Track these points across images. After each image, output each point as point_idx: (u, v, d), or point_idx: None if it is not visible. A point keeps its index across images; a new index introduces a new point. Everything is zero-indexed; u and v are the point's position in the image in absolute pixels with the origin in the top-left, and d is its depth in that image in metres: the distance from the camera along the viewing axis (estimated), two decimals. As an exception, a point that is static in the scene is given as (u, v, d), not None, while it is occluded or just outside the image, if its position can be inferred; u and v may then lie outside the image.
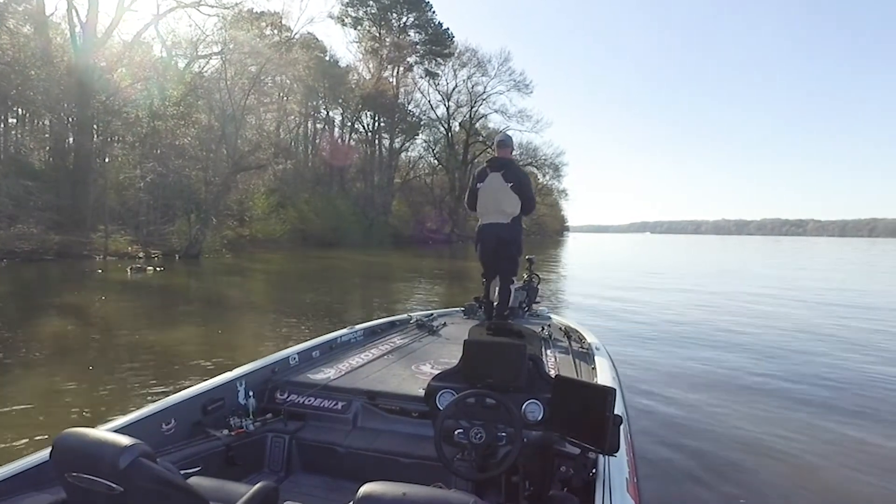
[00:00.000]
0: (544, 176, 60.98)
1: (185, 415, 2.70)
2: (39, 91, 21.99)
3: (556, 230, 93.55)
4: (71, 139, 24.76)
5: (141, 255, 21.82)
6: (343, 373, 3.45)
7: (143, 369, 6.15)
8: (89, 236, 21.80)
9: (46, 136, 25.45)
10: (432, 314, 5.51)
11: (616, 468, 2.04)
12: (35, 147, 25.35)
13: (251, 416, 2.92)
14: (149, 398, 4.96)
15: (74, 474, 1.44)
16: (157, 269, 18.10)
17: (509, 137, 5.30)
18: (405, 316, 5.36)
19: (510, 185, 4.81)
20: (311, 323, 9.27)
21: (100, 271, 17.26)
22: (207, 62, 28.98)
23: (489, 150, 54.17)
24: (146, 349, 7.15)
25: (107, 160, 26.07)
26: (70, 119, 24.08)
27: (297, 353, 3.66)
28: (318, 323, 9.14)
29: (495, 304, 5.10)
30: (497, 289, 5.10)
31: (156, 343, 7.60)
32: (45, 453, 1.87)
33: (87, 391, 5.38)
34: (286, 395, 3.16)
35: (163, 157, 25.01)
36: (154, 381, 5.59)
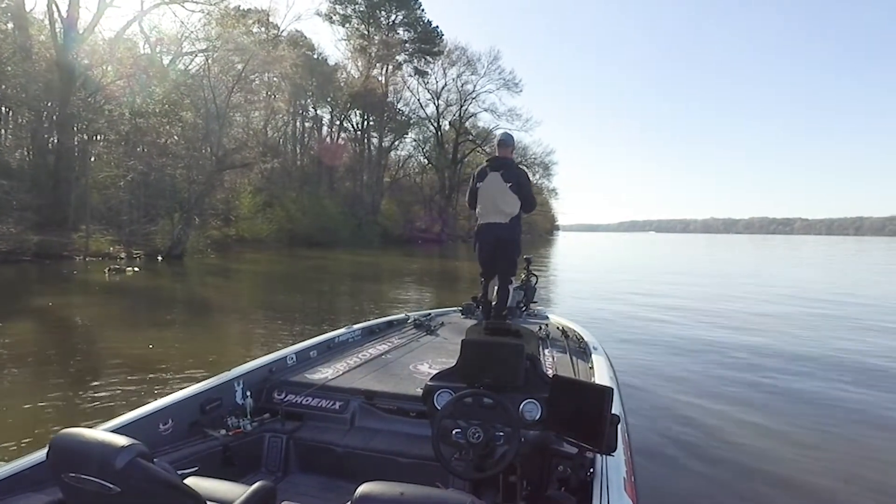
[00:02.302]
0: (534, 175, 60.86)
1: (183, 415, 2.70)
2: (17, 87, 21.37)
3: (546, 229, 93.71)
4: (52, 137, 24.15)
5: (122, 255, 21.23)
6: (341, 372, 3.44)
7: (95, 380, 5.77)
8: (70, 236, 21.23)
9: (28, 135, 24.77)
10: (430, 314, 5.49)
11: (613, 468, 2.04)
12: (14, 145, 24.67)
13: (248, 416, 2.91)
14: (98, 413, 4.65)
15: (71, 475, 1.43)
16: (137, 269, 17.61)
17: (510, 137, 5.26)
18: (403, 315, 5.32)
19: (509, 185, 4.82)
20: (291, 329, 8.75)
21: (76, 272, 16.76)
22: (192, 60, 28.52)
23: (479, 148, 54.11)
24: (104, 357, 6.78)
25: (92, 159, 25.51)
26: (53, 117, 23.45)
27: (295, 353, 3.65)
28: (299, 330, 8.62)
29: (493, 303, 5.06)
30: (495, 289, 5.06)
31: (116, 350, 7.15)
32: (41, 454, 1.84)
33: (27, 402, 5.03)
34: (284, 395, 3.15)
35: (145, 155, 24.47)
36: (107, 395, 5.22)
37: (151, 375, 5.97)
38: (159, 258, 21.88)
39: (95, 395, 5.29)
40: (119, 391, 5.38)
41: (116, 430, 2.17)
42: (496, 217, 4.89)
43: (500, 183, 4.83)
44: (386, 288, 16.20)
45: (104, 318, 10.04)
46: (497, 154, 5.10)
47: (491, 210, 4.91)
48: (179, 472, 1.69)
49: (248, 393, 3.05)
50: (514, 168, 4.97)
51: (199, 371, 5.97)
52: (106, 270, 16.61)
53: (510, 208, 4.85)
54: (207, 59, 26.05)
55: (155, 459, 1.48)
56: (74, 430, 1.53)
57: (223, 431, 2.76)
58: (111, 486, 1.38)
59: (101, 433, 1.53)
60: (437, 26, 52.97)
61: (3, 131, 25.51)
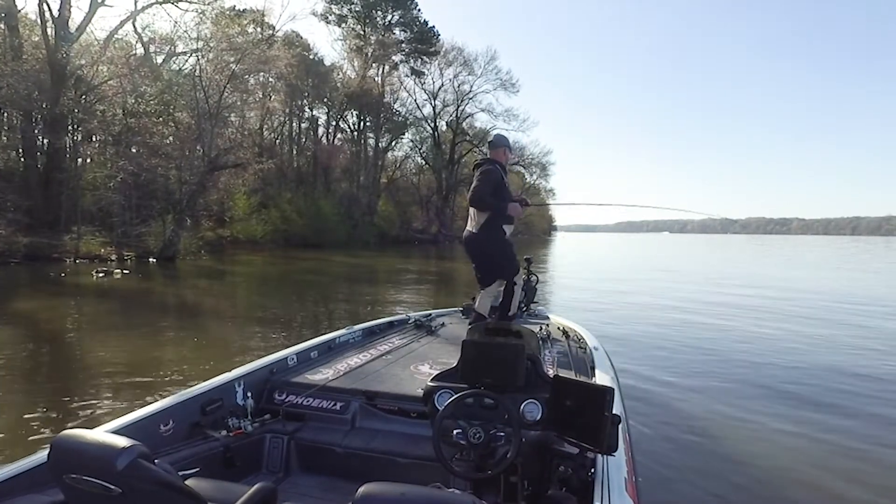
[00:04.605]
0: (531, 175, 60.76)
1: (184, 416, 2.70)
2: (7, 86, 21.04)
3: (543, 230, 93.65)
4: (43, 137, 23.84)
5: (113, 257, 20.90)
6: (341, 373, 3.44)
7: (60, 387, 5.51)
8: (61, 238, 20.92)
9: (19, 135, 24.44)
10: (430, 314, 5.46)
11: (614, 468, 2.04)
12: (4, 146, 24.33)
13: (249, 417, 2.91)
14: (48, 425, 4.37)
15: (72, 476, 1.43)
16: (126, 272, 17.25)
17: (498, 137, 4.88)
18: (403, 316, 5.30)
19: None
20: (281, 335, 8.28)
21: (64, 274, 16.39)
22: (187, 60, 28.25)
23: (475, 149, 53.90)
24: (72, 364, 6.49)
25: (88, 161, 25.17)
26: (46, 118, 23.10)
27: (296, 354, 3.66)
28: (292, 336, 8.15)
29: (494, 309, 4.75)
30: (479, 297, 4.77)
31: (87, 356, 6.87)
32: (42, 455, 1.85)
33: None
34: (284, 396, 3.15)
35: (136, 155, 24.16)
36: (71, 404, 4.94)
37: (121, 382, 5.70)
38: (151, 260, 21.54)
39: (58, 403, 5.03)
40: (84, 400, 5.12)
41: (117, 432, 2.16)
42: (469, 224, 4.64)
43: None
44: (383, 290, 15.91)
45: (82, 322, 9.64)
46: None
47: (469, 217, 4.66)
48: (180, 473, 1.67)
49: (249, 394, 3.05)
50: (483, 168, 4.55)
51: (174, 380, 5.69)
52: (94, 273, 16.26)
53: (478, 214, 4.54)
54: (199, 59, 25.75)
55: (156, 460, 1.47)
56: (75, 431, 1.52)
57: (224, 432, 2.74)
58: (112, 487, 1.38)
59: (101, 434, 1.53)
60: (434, 26, 52.74)
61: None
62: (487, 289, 4.74)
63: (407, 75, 52.64)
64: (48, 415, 4.75)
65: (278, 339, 7.96)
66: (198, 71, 25.39)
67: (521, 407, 2.37)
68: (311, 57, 43.87)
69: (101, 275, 16.01)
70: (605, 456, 2.06)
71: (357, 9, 49.11)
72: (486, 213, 4.49)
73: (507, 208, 4.50)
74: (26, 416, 4.70)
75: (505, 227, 4.59)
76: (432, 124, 54.89)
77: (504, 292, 4.74)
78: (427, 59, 52.70)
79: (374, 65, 48.30)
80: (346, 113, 47.49)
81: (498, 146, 4.74)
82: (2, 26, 22.53)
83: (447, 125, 55.73)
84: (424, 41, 51.75)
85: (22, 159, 24.15)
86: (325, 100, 45.48)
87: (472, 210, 4.60)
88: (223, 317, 10.61)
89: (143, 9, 26.17)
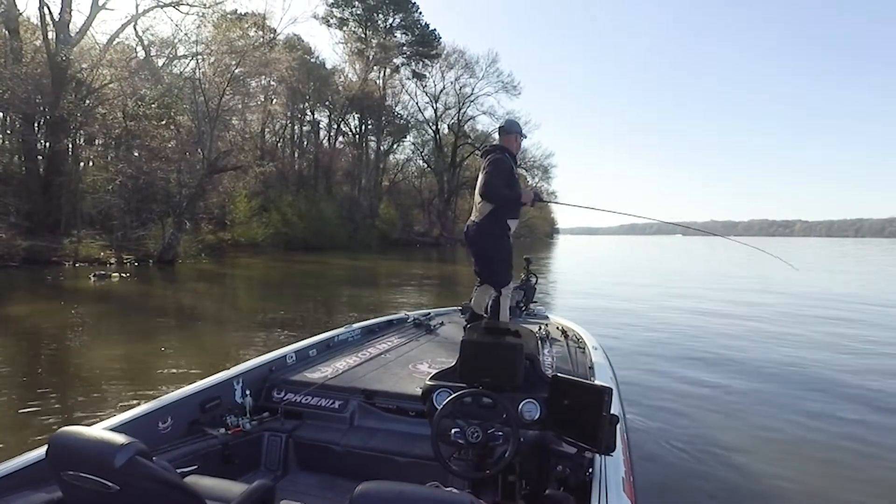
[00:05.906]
0: (533, 178, 60.62)
1: (182, 413, 2.70)
2: (8, 90, 20.99)
3: (545, 232, 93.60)
4: (41, 141, 23.79)
5: (113, 260, 20.79)
6: (340, 371, 3.44)
7: (49, 391, 5.38)
8: (60, 241, 20.84)
9: (19, 139, 24.39)
10: (429, 313, 5.43)
11: (612, 468, 2.05)
12: (4, 149, 24.28)
13: (248, 415, 2.91)
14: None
15: (70, 473, 1.43)
16: (124, 275, 17.11)
17: (511, 123, 4.53)
18: (402, 315, 5.28)
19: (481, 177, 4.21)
20: (275, 340, 8.00)
21: (62, 278, 16.26)
22: (187, 63, 28.20)
23: (477, 152, 53.81)
24: (62, 368, 6.38)
25: (89, 165, 25.10)
26: (47, 121, 23.04)
27: (294, 352, 3.66)
28: (284, 341, 7.86)
29: (484, 312, 4.36)
30: (486, 296, 4.39)
31: (76, 360, 6.73)
32: (40, 451, 1.83)
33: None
34: (283, 394, 3.15)
35: (136, 158, 24.09)
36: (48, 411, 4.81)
37: (114, 385, 5.59)
38: (150, 263, 21.41)
39: (53, 403, 4.92)
40: (77, 401, 5.03)
41: (115, 429, 2.16)
42: (473, 215, 4.32)
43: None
44: (384, 293, 15.75)
45: (75, 325, 9.44)
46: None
47: (473, 207, 4.36)
48: (179, 471, 1.67)
49: (248, 392, 3.05)
50: (489, 156, 4.21)
51: (167, 381, 5.56)
52: (91, 276, 16.12)
53: (481, 204, 4.21)
54: (199, 62, 25.72)
55: (154, 458, 1.47)
56: (73, 428, 1.52)
57: (222, 430, 2.75)
58: (110, 484, 1.38)
59: (99, 431, 1.53)
60: (435, 29, 53.04)
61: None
62: (482, 287, 4.43)
63: (408, 78, 52.85)
64: (44, 413, 4.67)
65: (275, 343, 7.80)
66: (198, 73, 25.32)
67: (520, 406, 2.36)
68: (313, 60, 43.95)
69: (97, 278, 15.85)
70: (602, 456, 2.06)
71: (358, 12, 49.27)
72: (492, 205, 4.17)
73: (521, 196, 4.21)
74: (23, 413, 4.63)
75: (510, 221, 4.27)
76: (434, 127, 54.99)
77: (491, 307, 4.32)
78: (428, 62, 52.85)
79: (375, 68, 48.40)
80: (347, 116, 47.59)
81: (510, 132, 4.39)
82: (2, 30, 22.49)
83: (449, 128, 55.80)
84: (425, 44, 51.86)
85: (22, 162, 24.12)
86: (327, 103, 45.58)
87: (476, 200, 4.28)
88: (220, 320, 10.46)
89: (145, 12, 26.17)
